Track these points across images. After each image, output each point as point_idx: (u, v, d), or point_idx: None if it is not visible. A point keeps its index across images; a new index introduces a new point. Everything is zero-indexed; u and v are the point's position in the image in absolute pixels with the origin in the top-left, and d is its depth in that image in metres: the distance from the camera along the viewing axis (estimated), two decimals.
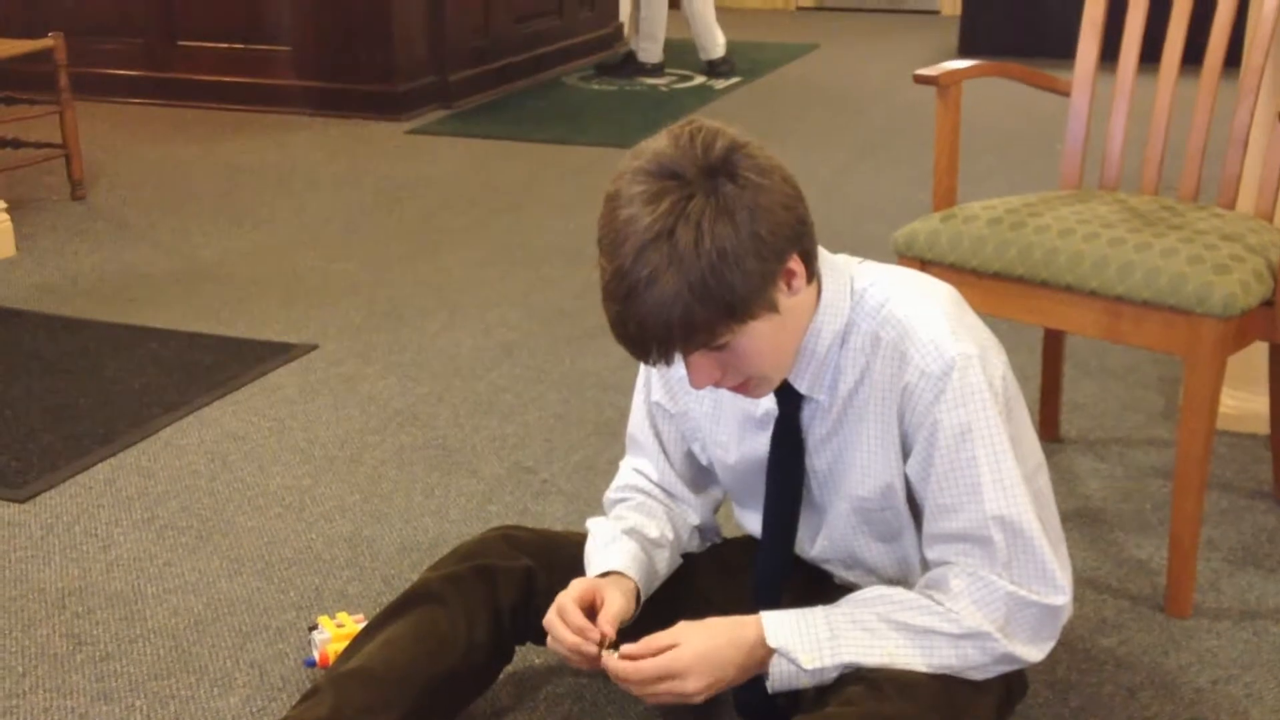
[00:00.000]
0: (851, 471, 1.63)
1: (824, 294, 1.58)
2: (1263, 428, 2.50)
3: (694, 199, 1.41)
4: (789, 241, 1.47)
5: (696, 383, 1.53)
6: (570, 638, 1.60)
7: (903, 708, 1.48)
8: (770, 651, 1.55)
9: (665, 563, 1.77)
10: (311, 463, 2.57)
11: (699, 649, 1.55)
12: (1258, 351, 2.23)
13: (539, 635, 1.80)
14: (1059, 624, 1.59)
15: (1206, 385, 2.01)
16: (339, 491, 2.46)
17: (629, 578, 1.69)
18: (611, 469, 1.92)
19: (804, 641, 1.55)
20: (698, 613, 1.77)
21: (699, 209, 1.41)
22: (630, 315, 1.43)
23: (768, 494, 1.69)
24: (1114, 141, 2.38)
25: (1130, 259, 2.05)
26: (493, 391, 2.88)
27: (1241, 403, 2.59)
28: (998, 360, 1.58)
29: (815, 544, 1.73)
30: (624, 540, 1.72)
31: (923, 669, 1.53)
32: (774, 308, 1.48)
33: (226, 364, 3.01)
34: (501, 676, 1.81)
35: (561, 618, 1.62)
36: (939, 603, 1.55)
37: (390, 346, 3.12)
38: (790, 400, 1.63)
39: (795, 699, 1.63)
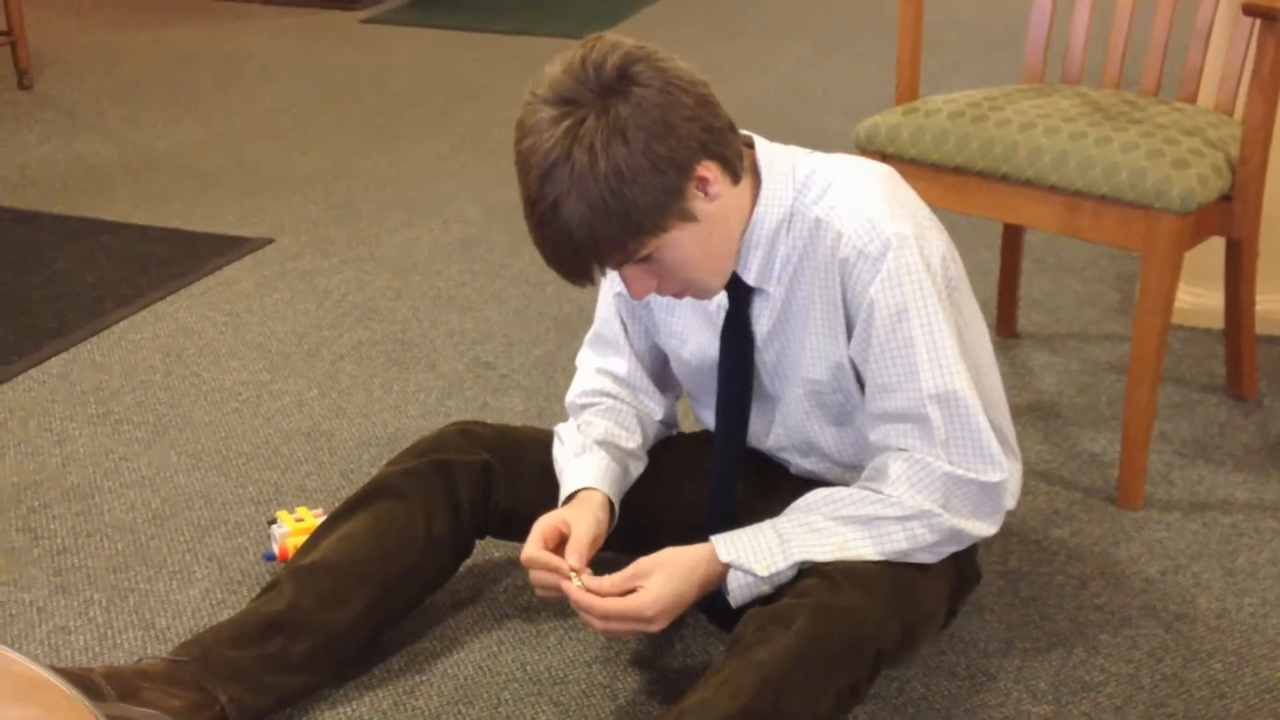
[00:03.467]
0: (802, 356, 1.64)
1: (765, 184, 1.58)
2: (1217, 322, 2.52)
3: (585, 121, 1.42)
4: (693, 152, 1.47)
5: (633, 294, 1.54)
6: (548, 579, 1.60)
7: (855, 597, 1.50)
8: (726, 567, 1.57)
9: (638, 470, 1.78)
10: (268, 357, 2.56)
11: (661, 594, 1.54)
12: (1213, 247, 2.24)
13: (498, 529, 1.81)
14: (1001, 500, 1.60)
15: (1163, 280, 2.02)
16: (296, 386, 2.45)
17: (601, 491, 1.68)
18: (571, 365, 1.91)
19: (756, 552, 1.56)
20: (656, 518, 1.79)
21: (591, 131, 1.42)
22: (545, 240, 1.47)
23: (719, 389, 1.70)
24: (1077, 35, 2.36)
25: (1090, 153, 2.04)
26: (452, 286, 2.86)
27: (1196, 298, 2.61)
28: (936, 240, 1.58)
29: (771, 434, 1.74)
30: (596, 451, 1.72)
31: (875, 556, 1.55)
32: (689, 217, 1.48)
33: (180, 257, 2.97)
34: (461, 570, 1.82)
35: (534, 563, 1.61)
36: (880, 492, 1.57)
37: (348, 240, 3.09)
38: (740, 294, 1.63)
39: None
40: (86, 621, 1.83)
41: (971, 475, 1.57)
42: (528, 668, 1.75)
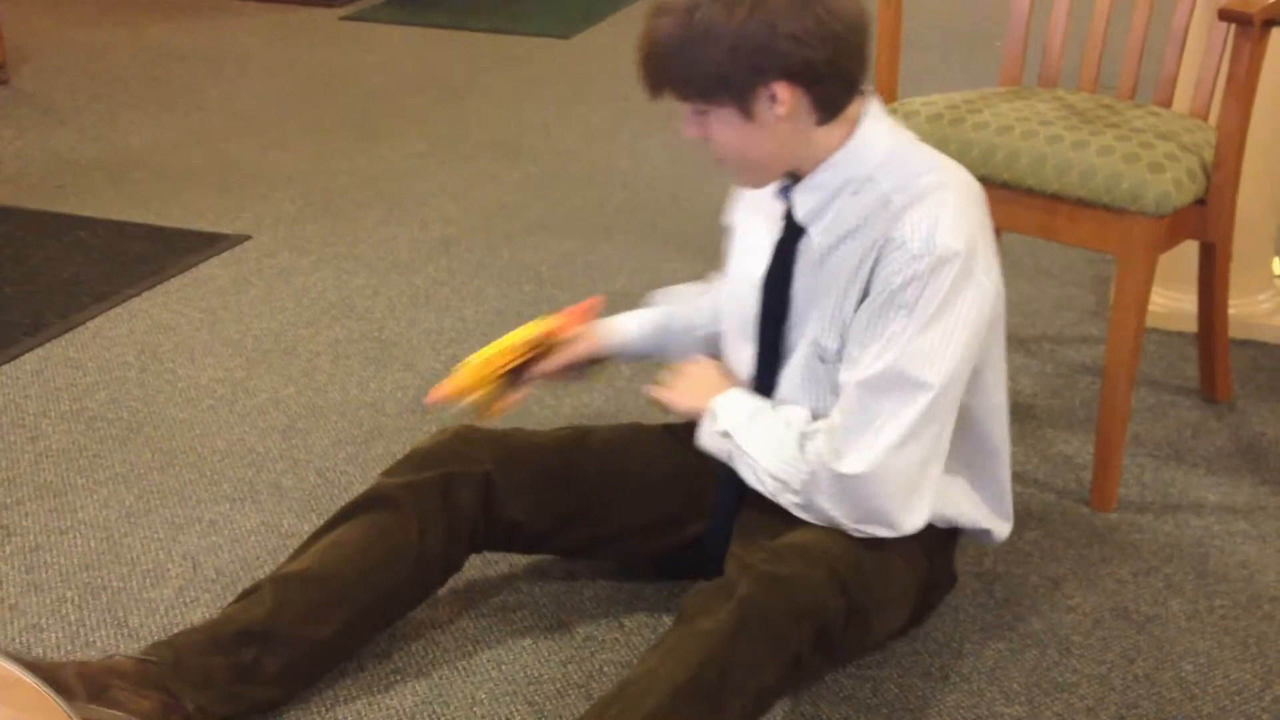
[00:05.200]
0: (820, 315, 1.64)
1: (855, 139, 1.60)
2: (1191, 326, 2.54)
3: None
4: (775, 67, 1.52)
5: (685, 129, 1.61)
6: None
7: (796, 566, 1.52)
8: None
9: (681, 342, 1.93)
10: (244, 355, 2.55)
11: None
12: (1187, 250, 2.25)
13: (499, 543, 1.79)
14: (857, 496, 1.57)
15: (1138, 283, 2.03)
16: (272, 384, 2.44)
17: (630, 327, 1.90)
18: None
19: (728, 409, 1.68)
20: (648, 474, 1.82)
21: None
22: (642, 32, 1.56)
23: (761, 306, 1.71)
24: (1054, 38, 2.37)
25: (1067, 157, 2.05)
26: (430, 285, 2.85)
27: (1171, 301, 2.62)
28: (985, 278, 1.58)
29: (776, 391, 1.73)
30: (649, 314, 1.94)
31: (764, 460, 1.62)
32: (745, 112, 1.55)
33: (157, 254, 2.96)
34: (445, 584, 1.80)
35: None
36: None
37: (326, 238, 3.08)
38: (792, 226, 1.66)
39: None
40: (59, 619, 1.82)
41: (827, 459, 1.57)
42: (503, 667, 1.75)
